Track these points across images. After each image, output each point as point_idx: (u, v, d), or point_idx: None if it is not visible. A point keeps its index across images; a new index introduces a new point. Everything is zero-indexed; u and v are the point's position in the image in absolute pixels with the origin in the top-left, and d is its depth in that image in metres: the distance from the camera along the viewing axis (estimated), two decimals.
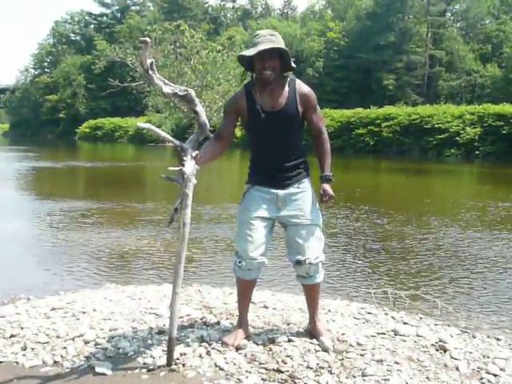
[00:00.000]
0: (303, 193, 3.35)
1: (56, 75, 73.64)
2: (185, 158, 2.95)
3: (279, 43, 3.19)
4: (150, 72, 2.84)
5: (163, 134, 3.01)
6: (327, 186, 3.34)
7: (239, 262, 3.30)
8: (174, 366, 3.05)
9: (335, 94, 50.89)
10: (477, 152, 29.43)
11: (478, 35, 58.51)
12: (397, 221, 9.47)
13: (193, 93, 3.00)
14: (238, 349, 3.26)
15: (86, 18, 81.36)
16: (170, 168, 2.93)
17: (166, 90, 2.95)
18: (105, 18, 79.78)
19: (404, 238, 7.98)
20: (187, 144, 3.00)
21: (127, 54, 35.12)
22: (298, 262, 3.31)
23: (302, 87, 3.32)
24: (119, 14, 77.56)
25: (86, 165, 23.62)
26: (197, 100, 3.01)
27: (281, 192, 3.31)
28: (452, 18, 61.94)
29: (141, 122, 3.04)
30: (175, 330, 3.06)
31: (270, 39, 3.17)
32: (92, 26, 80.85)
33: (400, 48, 53.61)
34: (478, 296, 5.34)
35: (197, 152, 3.00)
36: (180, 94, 2.98)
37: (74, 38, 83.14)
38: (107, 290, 4.77)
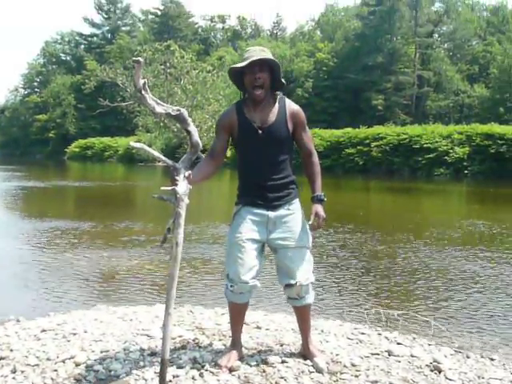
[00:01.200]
0: (293, 215, 3.32)
1: (46, 95, 73.75)
2: (177, 178, 2.92)
3: (270, 57, 3.22)
4: (143, 92, 2.84)
5: (156, 153, 2.99)
6: (320, 208, 3.31)
7: (231, 286, 3.25)
8: None
9: (324, 113, 51.17)
10: (466, 171, 29.61)
11: (465, 56, 59.23)
12: (387, 240, 9.48)
13: (185, 113, 2.99)
14: (231, 370, 3.22)
15: (77, 38, 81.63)
16: (163, 188, 2.91)
17: (159, 109, 2.94)
18: (95, 38, 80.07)
19: (395, 258, 7.98)
20: (180, 164, 2.98)
21: (117, 74, 35.28)
22: (289, 285, 3.28)
23: (292, 105, 3.33)
24: (109, 35, 77.88)
25: (76, 184, 23.53)
26: (189, 120, 3.00)
27: (271, 214, 3.27)
28: (439, 39, 62.67)
29: (133, 142, 3.02)
30: (168, 352, 3.02)
31: (261, 54, 3.19)
32: (82, 46, 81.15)
33: (388, 68, 54.08)
34: (470, 315, 5.33)
35: (189, 172, 2.98)
36: (172, 113, 2.97)
37: (64, 58, 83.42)
38: (98, 311, 4.72)
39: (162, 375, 3.00)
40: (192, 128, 3.01)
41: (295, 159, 3.32)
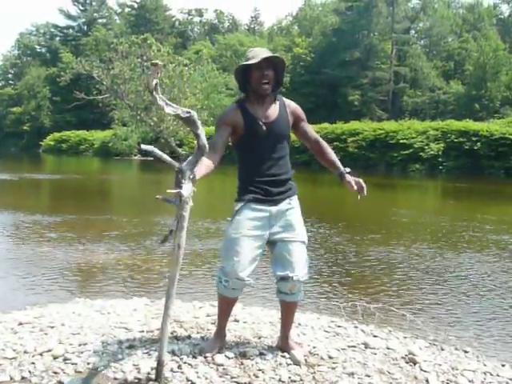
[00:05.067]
0: (294, 209, 3.39)
1: (20, 87, 72.80)
2: (183, 181, 2.91)
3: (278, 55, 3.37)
4: (154, 93, 2.84)
5: (164, 156, 2.95)
6: (354, 178, 3.45)
7: (226, 281, 3.27)
8: (144, 380, 3.02)
9: (301, 109, 50.86)
10: (440, 167, 29.92)
11: (440, 53, 59.75)
12: (364, 235, 9.55)
13: (195, 115, 2.95)
14: (205, 358, 3.28)
15: (52, 30, 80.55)
16: (169, 190, 2.89)
17: (168, 110, 2.92)
18: (71, 30, 79.03)
19: (370, 252, 8.06)
20: (185, 166, 2.95)
21: (93, 66, 34.92)
22: (285, 278, 3.30)
23: (291, 103, 3.50)
24: (85, 27, 76.96)
25: (51, 177, 23.32)
26: (199, 122, 2.96)
27: (274, 208, 3.32)
28: (416, 35, 63.18)
29: (144, 145, 3.01)
30: (165, 351, 3.03)
31: (267, 52, 3.33)
32: (58, 38, 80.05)
33: (365, 64, 54.36)
34: (445, 309, 5.42)
35: (194, 174, 2.96)
36: (182, 115, 2.92)
37: (39, 50, 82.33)
38: (76, 305, 4.70)
39: (158, 375, 3.01)
40: (201, 131, 2.99)
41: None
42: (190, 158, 3.02)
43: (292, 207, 3.39)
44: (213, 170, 3.23)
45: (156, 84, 2.81)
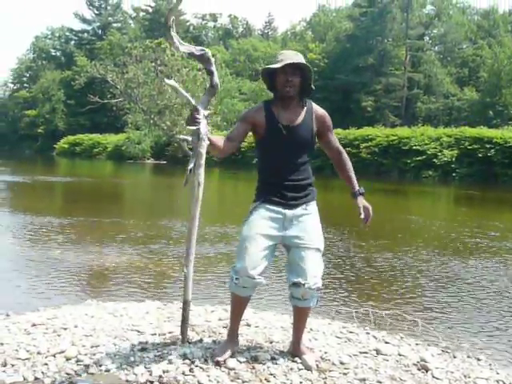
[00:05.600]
0: (310, 215, 3.38)
1: (35, 90, 73.31)
2: (199, 117, 3.05)
3: (303, 61, 3.32)
4: (171, 30, 3.08)
5: (184, 93, 3.17)
6: (364, 200, 3.49)
7: (236, 279, 3.27)
8: (156, 383, 3.03)
9: None
10: (454, 174, 29.74)
11: (455, 59, 59.49)
12: (375, 241, 9.53)
13: (209, 52, 3.16)
14: (217, 362, 3.27)
15: (67, 33, 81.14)
16: (188, 127, 3.04)
17: (183, 49, 3.17)
18: (86, 34, 79.60)
19: (382, 259, 8.03)
20: (199, 105, 3.11)
21: (107, 70, 35.08)
22: (297, 284, 3.30)
23: (319, 109, 3.46)
24: (100, 31, 77.50)
25: (64, 180, 23.45)
26: (212, 60, 3.16)
27: (288, 212, 3.32)
28: (430, 41, 62.92)
29: (167, 80, 3.20)
30: (190, 293, 3.23)
31: (295, 57, 3.30)
32: (73, 42, 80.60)
33: (379, 70, 54.21)
34: (457, 316, 5.39)
35: (208, 111, 3.13)
36: (196, 53, 3.14)
37: (54, 54, 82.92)
38: (88, 307, 4.73)
39: (184, 316, 3.28)
40: (214, 68, 3.18)
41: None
42: (203, 97, 3.22)
43: (308, 213, 3.37)
44: (224, 151, 3.29)
45: (173, 20, 2.96)
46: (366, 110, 52.06)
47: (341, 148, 3.57)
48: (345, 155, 3.58)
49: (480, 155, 29.13)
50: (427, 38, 62.35)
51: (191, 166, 3.07)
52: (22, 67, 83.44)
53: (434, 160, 30.47)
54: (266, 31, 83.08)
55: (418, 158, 31.16)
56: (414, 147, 31.66)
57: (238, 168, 31.30)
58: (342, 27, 60.17)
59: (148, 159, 44.45)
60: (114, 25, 78.99)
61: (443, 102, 53.95)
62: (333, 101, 53.48)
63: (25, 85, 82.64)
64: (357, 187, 3.51)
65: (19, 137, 75.22)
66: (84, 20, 78.91)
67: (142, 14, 79.57)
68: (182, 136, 2.91)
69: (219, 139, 3.24)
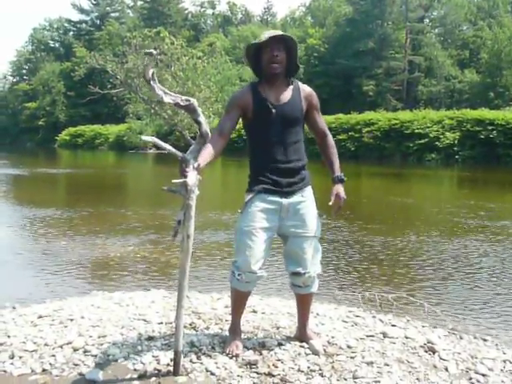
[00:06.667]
0: (306, 202, 3.30)
1: (35, 82, 73.27)
2: (187, 169, 2.88)
3: (289, 35, 3.25)
4: (152, 82, 2.83)
5: (166, 145, 2.91)
6: (340, 188, 3.35)
7: (239, 275, 3.22)
8: (164, 371, 3.04)
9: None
10: (456, 156, 29.72)
11: (455, 41, 59.23)
12: (380, 226, 9.52)
13: (195, 102, 2.96)
14: (236, 356, 3.25)
15: (65, 24, 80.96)
16: (174, 181, 2.85)
17: (167, 99, 2.90)
18: (84, 24, 79.36)
19: (388, 243, 8.03)
20: (189, 155, 2.95)
21: (107, 60, 34.95)
22: (297, 274, 3.29)
23: (306, 88, 3.36)
24: (98, 21, 77.23)
25: (66, 171, 23.47)
26: (199, 110, 2.97)
27: (285, 201, 3.24)
28: (430, 24, 62.52)
29: (144, 136, 3.02)
30: (181, 344, 3.03)
31: (279, 32, 3.21)
32: (71, 32, 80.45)
33: (379, 54, 53.98)
34: (463, 298, 5.38)
35: (198, 163, 2.92)
36: (182, 104, 2.93)
37: (52, 45, 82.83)
38: (94, 297, 4.73)
39: (175, 365, 3.03)
40: (202, 118, 2.98)
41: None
42: (193, 146, 3.02)
43: (305, 200, 3.30)
44: (217, 156, 3.14)
45: (153, 73, 2.80)
46: (368, 94, 51.91)
47: (327, 131, 3.43)
48: (330, 138, 3.43)
49: (482, 137, 29.13)
50: (427, 21, 61.95)
51: (180, 217, 2.95)
52: (20, 60, 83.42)
53: (437, 143, 30.45)
54: (265, 17, 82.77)
55: (420, 142, 31.17)
56: (416, 130, 31.65)
57: (241, 155, 31.25)
58: (341, 11, 59.81)
59: (150, 149, 44.41)
60: (113, 14, 78.79)
61: (444, 85, 53.76)
62: (334, 86, 53.41)
63: (24, 77, 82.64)
64: (337, 173, 3.38)
65: (20, 130, 75.27)
66: (82, 10, 78.67)
67: (139, 2, 79.27)
68: (165, 187, 2.69)
69: (210, 153, 3.05)
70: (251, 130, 3.34)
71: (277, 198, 3.24)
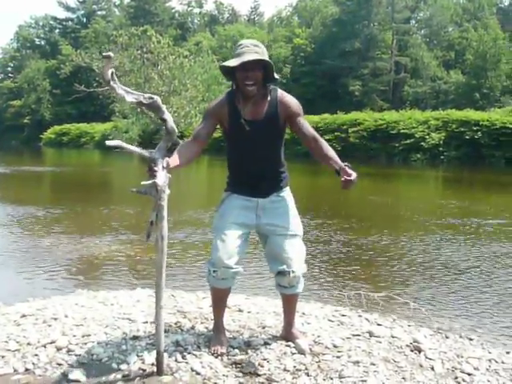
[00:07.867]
0: (283, 201, 3.29)
1: (20, 80, 72.72)
2: (156, 169, 2.79)
3: (263, 55, 3.08)
4: (112, 83, 2.73)
5: (131, 147, 2.82)
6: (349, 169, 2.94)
7: (214, 272, 3.18)
8: (148, 371, 3.01)
9: (302, 99, 48.19)
10: (441, 157, 29.87)
11: (441, 42, 59.64)
12: (365, 225, 9.54)
13: (159, 100, 2.84)
14: (221, 355, 3.22)
15: (51, 22, 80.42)
16: (143, 182, 2.79)
17: (130, 99, 2.78)
18: (70, 22, 78.90)
19: (374, 242, 8.04)
20: (157, 153, 2.85)
21: (93, 59, 34.88)
22: (282, 273, 3.24)
23: (284, 97, 3.21)
24: (84, 19, 76.82)
25: (51, 170, 23.31)
26: (163, 107, 2.86)
27: (261, 200, 3.23)
28: (416, 25, 62.96)
29: (108, 141, 2.94)
30: (163, 344, 3.00)
31: (254, 50, 3.06)
32: (57, 30, 79.95)
33: (366, 54, 54.23)
34: (449, 297, 5.40)
35: (167, 160, 2.84)
36: (145, 102, 2.81)
37: (38, 43, 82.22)
38: (79, 296, 4.68)
39: (159, 366, 2.99)
40: (167, 115, 2.87)
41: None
42: (160, 144, 2.92)
43: (281, 199, 3.29)
44: (189, 160, 3.08)
45: (112, 73, 2.70)
46: (354, 94, 52.14)
47: (316, 135, 3.16)
48: (320, 140, 3.15)
49: (467, 138, 29.34)
50: (413, 22, 62.37)
51: (153, 218, 2.88)
52: (6, 57, 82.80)
53: (422, 143, 30.60)
54: (252, 17, 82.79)
55: (406, 142, 31.30)
56: (402, 131, 31.78)
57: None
58: (328, 12, 59.97)
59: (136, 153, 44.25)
60: (99, 12, 78.38)
61: (430, 86, 54.12)
62: (320, 86, 53.57)
63: (9, 75, 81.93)
64: (339, 163, 2.97)
65: (5, 128, 74.67)
66: (68, 8, 78.23)
67: (126, 1, 78.97)
68: (134, 189, 2.58)
69: (180, 156, 2.99)
70: (227, 139, 3.31)
71: (253, 198, 3.24)
